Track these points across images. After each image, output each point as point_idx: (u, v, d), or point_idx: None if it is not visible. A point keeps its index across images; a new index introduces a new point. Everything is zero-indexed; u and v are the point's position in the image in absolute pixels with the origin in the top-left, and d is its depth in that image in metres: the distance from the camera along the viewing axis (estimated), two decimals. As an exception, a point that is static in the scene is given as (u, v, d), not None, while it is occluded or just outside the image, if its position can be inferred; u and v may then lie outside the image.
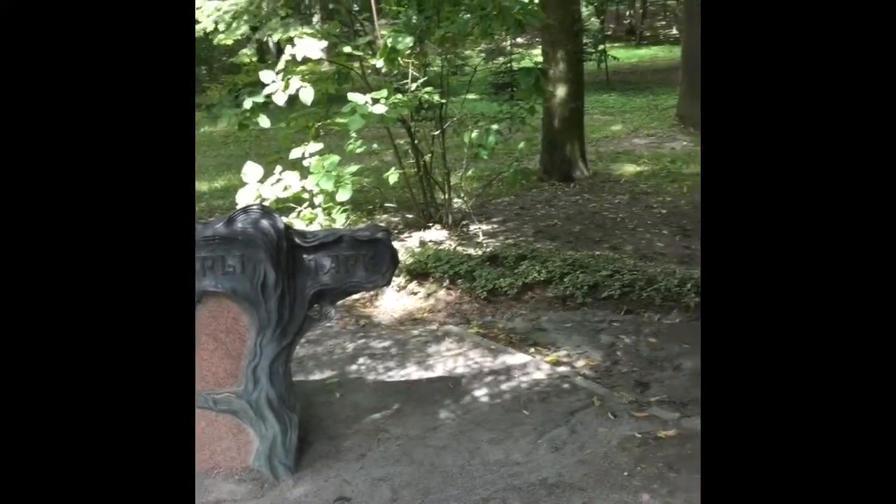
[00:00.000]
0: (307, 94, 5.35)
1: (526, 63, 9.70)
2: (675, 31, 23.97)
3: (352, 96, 5.32)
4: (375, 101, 5.29)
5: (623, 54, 21.30)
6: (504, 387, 3.82)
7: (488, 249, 5.88)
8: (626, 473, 2.97)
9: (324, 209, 5.65)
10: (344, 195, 5.36)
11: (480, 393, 3.77)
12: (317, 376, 4.07)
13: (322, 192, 5.46)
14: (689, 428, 3.30)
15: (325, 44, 5.69)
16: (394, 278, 4.52)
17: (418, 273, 5.50)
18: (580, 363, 4.11)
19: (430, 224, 6.87)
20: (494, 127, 6.24)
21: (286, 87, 5.37)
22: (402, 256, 5.41)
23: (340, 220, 5.65)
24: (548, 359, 4.17)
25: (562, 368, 4.03)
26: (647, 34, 26.91)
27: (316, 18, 14.97)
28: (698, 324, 4.52)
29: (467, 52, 13.29)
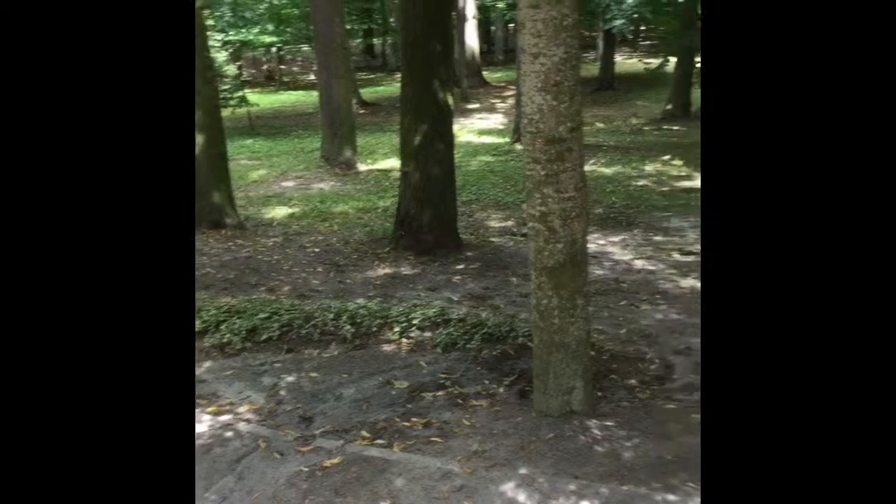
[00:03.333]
0: None
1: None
2: (312, 77, 24.90)
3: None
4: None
5: (265, 100, 21.58)
6: (164, 447, 3.61)
7: (136, 306, 5.52)
8: (296, 509, 3.00)
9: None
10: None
11: (138, 459, 3.52)
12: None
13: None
14: (353, 452, 3.43)
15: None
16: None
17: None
18: (243, 409, 4.05)
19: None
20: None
21: None
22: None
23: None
24: (209, 410, 4.04)
25: (224, 417, 3.93)
26: (287, 80, 27.63)
27: None
28: (356, 353, 4.75)
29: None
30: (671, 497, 2.97)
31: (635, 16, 17.12)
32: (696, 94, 16.77)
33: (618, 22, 16.03)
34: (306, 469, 3.30)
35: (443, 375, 4.32)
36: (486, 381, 4.23)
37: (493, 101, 21.72)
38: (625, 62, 24.82)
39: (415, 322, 5.04)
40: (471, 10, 22.50)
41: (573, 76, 3.37)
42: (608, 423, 3.64)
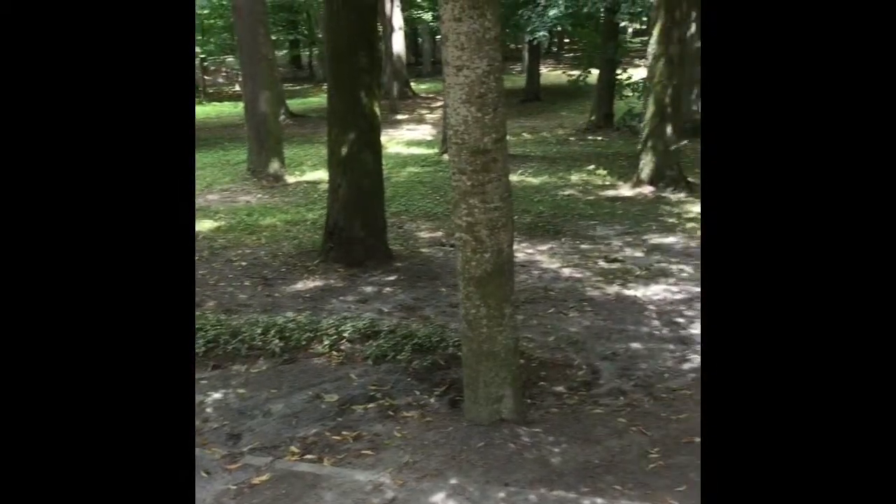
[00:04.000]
0: None
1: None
2: (237, 88, 24.50)
3: None
4: None
5: (189, 111, 21.10)
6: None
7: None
8: (223, 529, 2.94)
9: None
10: None
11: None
12: None
13: None
14: (282, 468, 3.38)
15: None
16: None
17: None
18: (168, 428, 3.95)
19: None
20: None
21: None
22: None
23: None
24: (132, 431, 3.92)
25: (149, 438, 3.82)
26: (211, 91, 27.13)
27: None
28: (285, 367, 4.68)
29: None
30: (599, 500, 3.03)
31: (558, 28, 17.46)
32: (618, 104, 17.23)
33: (539, 33, 16.33)
34: (234, 487, 3.24)
35: (373, 387, 4.30)
36: (417, 392, 4.23)
37: (422, 111, 21.80)
38: (550, 74, 25.29)
39: (345, 334, 5.01)
40: (398, 22, 22.55)
41: (497, 88, 3.43)
42: (537, 430, 3.69)
